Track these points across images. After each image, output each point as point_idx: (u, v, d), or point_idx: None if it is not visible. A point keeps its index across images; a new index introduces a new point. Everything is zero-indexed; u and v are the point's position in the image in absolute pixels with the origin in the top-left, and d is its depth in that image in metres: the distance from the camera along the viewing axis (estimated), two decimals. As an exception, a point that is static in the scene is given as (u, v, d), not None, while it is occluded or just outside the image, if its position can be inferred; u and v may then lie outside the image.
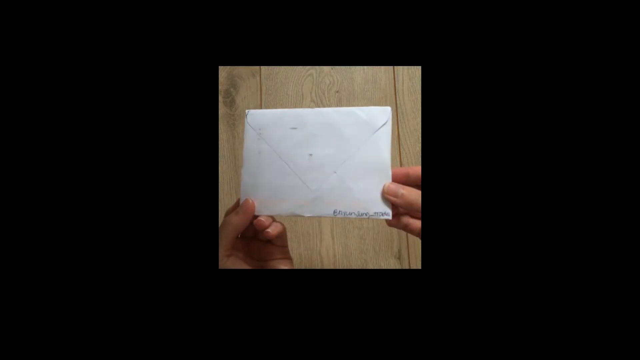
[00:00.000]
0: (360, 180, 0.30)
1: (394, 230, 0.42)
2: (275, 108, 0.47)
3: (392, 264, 0.43)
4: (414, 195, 0.28)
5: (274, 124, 0.32)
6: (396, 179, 0.29)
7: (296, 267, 0.41)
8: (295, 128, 0.32)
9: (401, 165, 0.45)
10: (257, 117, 0.33)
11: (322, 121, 0.31)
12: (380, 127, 0.30)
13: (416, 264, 0.43)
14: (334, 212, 0.30)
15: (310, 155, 0.31)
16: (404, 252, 0.43)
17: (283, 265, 0.32)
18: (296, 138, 0.32)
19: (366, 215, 0.30)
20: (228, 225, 0.30)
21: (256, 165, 0.32)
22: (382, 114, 0.30)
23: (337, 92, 0.47)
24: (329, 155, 0.31)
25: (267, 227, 0.30)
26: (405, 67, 0.46)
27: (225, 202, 0.47)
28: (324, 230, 0.46)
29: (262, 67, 0.49)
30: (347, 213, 0.30)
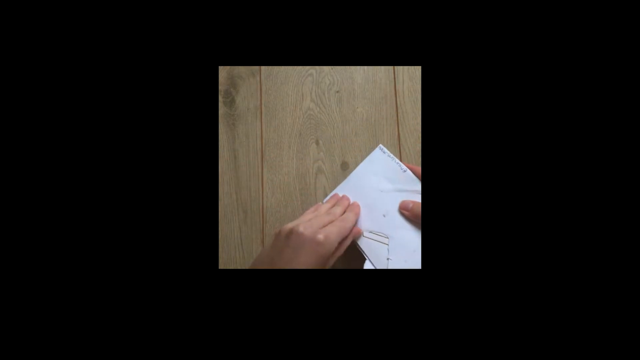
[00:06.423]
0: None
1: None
2: (276, 109, 0.47)
3: (392, 264, 0.43)
4: (418, 208, 0.34)
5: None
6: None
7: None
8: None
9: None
10: None
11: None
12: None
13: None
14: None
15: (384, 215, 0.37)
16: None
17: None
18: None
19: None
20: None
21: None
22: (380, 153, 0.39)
23: (337, 92, 0.47)
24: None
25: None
26: (405, 67, 0.46)
27: (225, 202, 0.47)
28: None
29: (262, 67, 0.49)
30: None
